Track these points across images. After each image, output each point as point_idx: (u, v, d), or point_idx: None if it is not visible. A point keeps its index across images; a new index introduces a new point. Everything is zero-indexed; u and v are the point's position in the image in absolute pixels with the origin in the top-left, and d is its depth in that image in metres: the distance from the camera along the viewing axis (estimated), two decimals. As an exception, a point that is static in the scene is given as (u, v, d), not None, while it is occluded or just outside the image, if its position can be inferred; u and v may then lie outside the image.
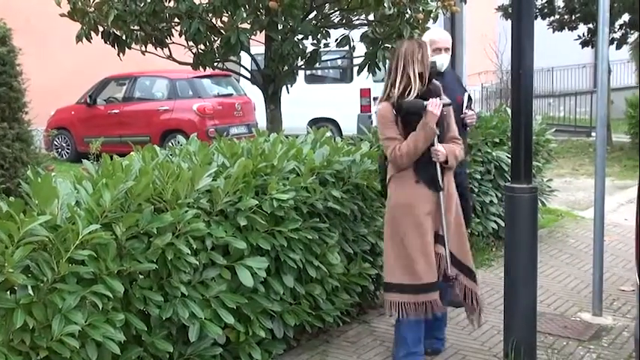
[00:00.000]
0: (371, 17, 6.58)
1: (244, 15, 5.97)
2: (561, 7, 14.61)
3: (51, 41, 12.91)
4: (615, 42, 14.22)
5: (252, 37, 6.24)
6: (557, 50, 17.11)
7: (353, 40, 6.79)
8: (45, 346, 2.85)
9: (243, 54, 6.71)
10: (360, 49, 6.87)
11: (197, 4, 6.08)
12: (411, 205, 3.76)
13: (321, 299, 4.18)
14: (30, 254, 2.83)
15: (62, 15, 6.45)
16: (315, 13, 6.56)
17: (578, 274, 5.79)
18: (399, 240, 3.78)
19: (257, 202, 3.74)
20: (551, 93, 20.19)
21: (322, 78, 13.97)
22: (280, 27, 6.33)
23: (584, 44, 14.88)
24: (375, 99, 12.53)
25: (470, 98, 4.67)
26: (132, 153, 3.91)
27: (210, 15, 6.16)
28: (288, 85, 6.87)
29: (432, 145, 3.75)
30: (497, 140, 6.51)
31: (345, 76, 13.48)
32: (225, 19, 6.27)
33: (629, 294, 5.19)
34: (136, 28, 6.39)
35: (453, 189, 3.91)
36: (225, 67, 7.12)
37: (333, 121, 13.56)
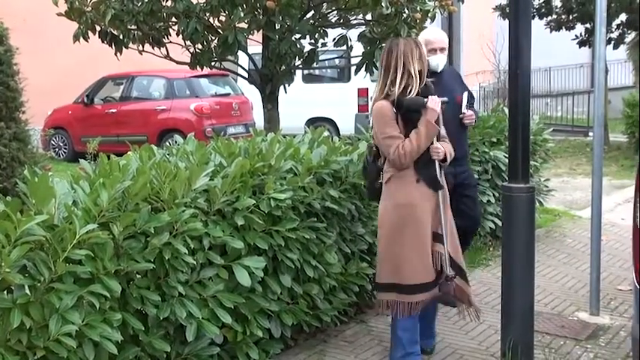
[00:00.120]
0: (368, 17, 6.58)
1: (242, 14, 5.97)
2: (559, 6, 14.61)
3: (48, 41, 12.88)
4: (612, 42, 14.25)
5: (250, 36, 6.23)
6: (554, 50, 17.10)
7: (350, 40, 6.78)
8: (42, 345, 2.85)
9: (240, 53, 6.71)
10: (358, 49, 6.87)
11: (194, 3, 6.08)
12: (412, 204, 3.75)
13: (318, 299, 4.18)
14: (27, 254, 2.82)
15: (59, 14, 6.44)
16: (312, 12, 6.56)
17: (576, 273, 5.80)
18: (397, 240, 3.76)
19: (254, 202, 3.73)
20: (549, 93, 20.16)
21: (320, 77, 13.97)
22: (278, 26, 6.33)
23: (581, 44, 14.89)
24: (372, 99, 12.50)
25: (472, 96, 4.62)
26: (129, 152, 3.91)
27: (207, 14, 6.16)
28: (286, 85, 6.87)
29: (432, 143, 3.76)
30: (494, 140, 6.50)
31: (343, 75, 13.45)
32: (222, 18, 6.27)
33: (626, 293, 5.20)
34: (133, 27, 6.38)
35: (446, 187, 3.92)
36: (222, 66, 7.11)
37: (331, 121, 13.55)
